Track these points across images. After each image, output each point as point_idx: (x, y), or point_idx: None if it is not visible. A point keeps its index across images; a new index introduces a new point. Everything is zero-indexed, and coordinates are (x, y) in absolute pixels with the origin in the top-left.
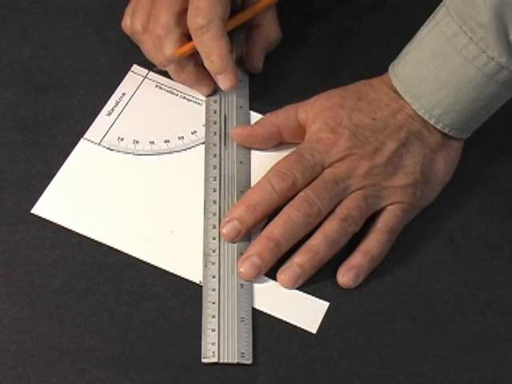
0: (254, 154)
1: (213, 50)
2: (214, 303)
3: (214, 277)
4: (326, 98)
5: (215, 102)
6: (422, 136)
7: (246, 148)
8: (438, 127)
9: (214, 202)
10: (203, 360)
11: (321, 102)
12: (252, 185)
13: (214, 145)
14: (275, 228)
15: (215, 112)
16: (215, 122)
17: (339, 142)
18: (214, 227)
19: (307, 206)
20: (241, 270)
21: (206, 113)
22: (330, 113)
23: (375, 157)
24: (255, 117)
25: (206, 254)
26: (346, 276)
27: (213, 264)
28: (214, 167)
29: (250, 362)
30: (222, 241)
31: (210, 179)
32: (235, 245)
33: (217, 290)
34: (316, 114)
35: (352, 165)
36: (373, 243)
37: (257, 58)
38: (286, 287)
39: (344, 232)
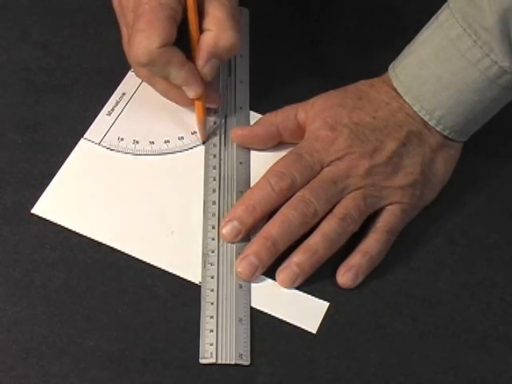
0: (254, 154)
1: (167, 72)
2: (212, 304)
3: (212, 277)
4: (326, 98)
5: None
6: (422, 136)
7: (246, 148)
8: (438, 129)
9: (214, 202)
10: (201, 360)
11: (321, 102)
12: (251, 185)
13: (214, 145)
14: (272, 227)
15: (215, 112)
16: (215, 123)
17: (338, 140)
18: (213, 228)
19: (304, 206)
20: (238, 269)
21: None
22: (329, 112)
23: (375, 156)
24: (255, 117)
25: (204, 255)
26: (345, 276)
27: (211, 265)
28: (214, 167)
29: (247, 363)
30: (221, 241)
31: (209, 179)
32: (234, 245)
33: (215, 290)
34: (316, 113)
35: (351, 164)
36: (372, 243)
37: (200, 64)
38: (284, 286)
39: (343, 231)
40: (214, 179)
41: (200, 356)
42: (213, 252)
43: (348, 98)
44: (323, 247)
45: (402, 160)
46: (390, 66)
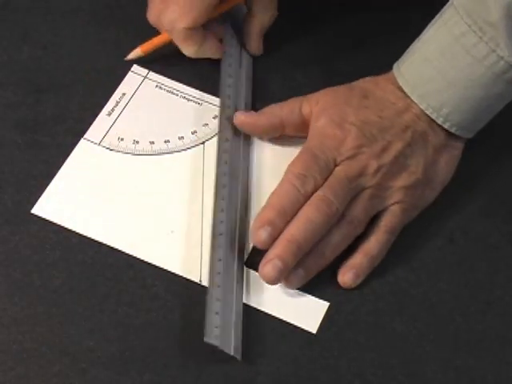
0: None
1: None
2: (219, 286)
3: (220, 260)
4: (331, 95)
5: (229, 97)
6: (426, 136)
7: (250, 142)
8: (446, 126)
9: (223, 198)
10: (206, 339)
11: (326, 99)
12: (250, 179)
13: (227, 140)
14: (296, 230)
15: (229, 107)
16: (227, 118)
17: (347, 139)
18: (222, 222)
19: (326, 206)
20: (263, 272)
21: (221, 107)
22: (335, 110)
23: (383, 156)
24: None
25: (213, 245)
26: (346, 276)
27: (219, 260)
28: (226, 162)
29: (239, 357)
30: (228, 245)
31: (220, 174)
32: (235, 253)
33: (221, 273)
34: (321, 110)
35: (362, 163)
36: (373, 244)
37: (254, 45)
38: (289, 288)
39: (349, 235)
40: (225, 174)
41: (205, 335)
42: (221, 234)
43: (353, 97)
44: (330, 251)
45: (407, 160)
46: (395, 64)
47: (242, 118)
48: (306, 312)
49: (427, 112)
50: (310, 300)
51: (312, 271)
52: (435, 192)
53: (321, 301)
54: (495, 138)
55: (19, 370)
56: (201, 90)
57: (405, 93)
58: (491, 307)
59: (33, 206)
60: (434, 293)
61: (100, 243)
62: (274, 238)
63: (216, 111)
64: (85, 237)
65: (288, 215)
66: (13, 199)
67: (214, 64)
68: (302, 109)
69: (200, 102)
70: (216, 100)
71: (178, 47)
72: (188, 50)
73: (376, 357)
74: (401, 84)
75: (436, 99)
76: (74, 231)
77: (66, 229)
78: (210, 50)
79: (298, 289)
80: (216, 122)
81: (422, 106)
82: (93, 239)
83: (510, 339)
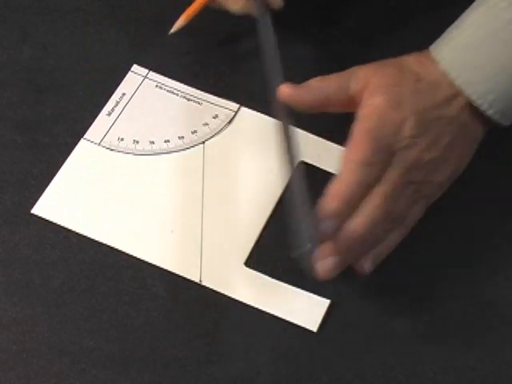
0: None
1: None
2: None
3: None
4: (380, 75)
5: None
6: (466, 130)
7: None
8: (489, 113)
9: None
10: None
11: (376, 80)
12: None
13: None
14: (359, 227)
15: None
16: None
17: (405, 125)
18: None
19: (388, 205)
20: (320, 268)
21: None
22: (389, 89)
23: (432, 149)
24: (261, 118)
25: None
26: (366, 264)
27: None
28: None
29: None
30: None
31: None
32: None
33: None
34: (374, 89)
35: (415, 155)
36: (396, 237)
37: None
38: (321, 277)
39: (389, 231)
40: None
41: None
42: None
43: (406, 80)
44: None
45: (448, 154)
46: (432, 48)
47: (286, 90)
48: (306, 310)
49: (473, 98)
50: (311, 298)
51: (345, 264)
52: (443, 191)
53: (322, 298)
54: (495, 137)
55: (19, 370)
56: (201, 90)
57: (449, 78)
58: (491, 307)
59: (33, 206)
60: (434, 293)
61: (100, 243)
62: (337, 227)
63: (216, 111)
64: (85, 237)
65: (353, 207)
66: (13, 199)
67: (214, 64)
68: (350, 86)
69: (200, 101)
70: (216, 100)
71: (223, 6)
72: (235, 5)
73: (376, 356)
74: (443, 69)
75: (483, 85)
76: (73, 231)
77: (65, 229)
78: (253, 6)
79: (298, 286)
80: (216, 121)
81: (467, 92)
82: (93, 239)
83: (510, 339)
